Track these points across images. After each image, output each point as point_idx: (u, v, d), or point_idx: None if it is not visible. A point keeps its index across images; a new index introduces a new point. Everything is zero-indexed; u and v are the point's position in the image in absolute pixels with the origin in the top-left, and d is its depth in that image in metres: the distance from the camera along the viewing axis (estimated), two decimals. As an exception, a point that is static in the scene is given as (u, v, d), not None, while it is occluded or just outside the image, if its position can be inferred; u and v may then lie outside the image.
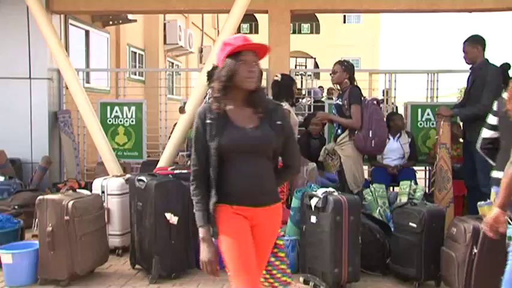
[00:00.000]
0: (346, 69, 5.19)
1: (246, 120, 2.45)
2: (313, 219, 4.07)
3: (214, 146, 2.38)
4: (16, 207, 5.70)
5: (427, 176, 6.76)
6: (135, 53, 12.64)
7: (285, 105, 5.22)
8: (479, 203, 4.14)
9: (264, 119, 2.47)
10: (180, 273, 4.35)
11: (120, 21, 10.65)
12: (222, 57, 2.44)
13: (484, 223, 2.77)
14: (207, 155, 2.42)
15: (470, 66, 5.32)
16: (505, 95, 3.12)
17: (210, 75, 4.95)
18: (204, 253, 2.42)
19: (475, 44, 5.22)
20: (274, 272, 3.48)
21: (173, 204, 4.26)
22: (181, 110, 5.61)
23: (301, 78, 13.44)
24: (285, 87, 5.36)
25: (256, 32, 28.51)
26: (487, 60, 5.22)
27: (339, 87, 5.36)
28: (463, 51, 5.28)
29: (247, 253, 2.41)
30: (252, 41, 2.45)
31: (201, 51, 16.81)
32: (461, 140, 5.90)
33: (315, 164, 5.51)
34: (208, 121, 2.41)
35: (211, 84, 2.51)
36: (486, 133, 3.38)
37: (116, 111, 7.27)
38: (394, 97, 7.37)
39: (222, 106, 2.42)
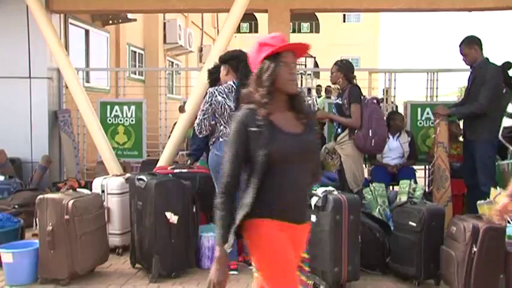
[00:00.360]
0: (340, 68, 5.20)
1: (292, 126, 2.27)
2: (313, 218, 4.07)
3: (264, 154, 2.15)
4: (16, 206, 5.70)
5: (427, 175, 6.77)
6: (135, 52, 12.65)
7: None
8: (479, 202, 4.16)
9: (306, 124, 2.32)
10: (180, 273, 4.36)
11: (120, 21, 10.66)
12: (259, 59, 2.24)
13: (494, 211, 2.75)
14: (242, 165, 2.22)
15: (471, 65, 5.32)
16: None
17: (211, 73, 4.96)
18: (216, 274, 2.19)
19: (471, 45, 5.22)
20: None
21: (173, 203, 4.26)
22: (181, 109, 5.61)
23: (301, 77, 13.46)
24: None
25: (256, 31, 28.52)
26: (487, 59, 5.22)
27: (338, 87, 5.37)
28: (461, 54, 5.27)
29: (295, 278, 2.25)
30: (289, 40, 2.29)
31: (200, 50, 16.82)
32: (461, 138, 5.91)
33: (314, 163, 5.51)
34: (253, 128, 2.19)
35: (251, 89, 2.29)
36: (507, 122, 3.38)
37: (116, 111, 7.27)
38: (394, 96, 7.38)
39: (268, 112, 2.22)
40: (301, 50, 2.30)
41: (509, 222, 3.94)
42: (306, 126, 2.31)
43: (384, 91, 8.13)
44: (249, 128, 2.19)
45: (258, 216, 2.19)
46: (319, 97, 12.69)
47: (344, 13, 28.54)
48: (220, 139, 4.35)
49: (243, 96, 2.36)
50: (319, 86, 14.51)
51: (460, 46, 5.29)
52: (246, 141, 2.20)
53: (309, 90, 11.96)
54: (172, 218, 4.21)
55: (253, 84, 2.27)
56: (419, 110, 6.80)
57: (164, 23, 13.48)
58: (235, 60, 4.44)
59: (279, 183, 2.20)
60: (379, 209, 5.15)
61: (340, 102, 5.23)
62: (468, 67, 5.37)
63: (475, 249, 3.53)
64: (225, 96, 4.33)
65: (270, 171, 2.18)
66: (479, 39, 5.26)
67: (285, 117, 2.28)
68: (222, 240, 2.18)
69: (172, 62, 15.00)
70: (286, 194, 2.21)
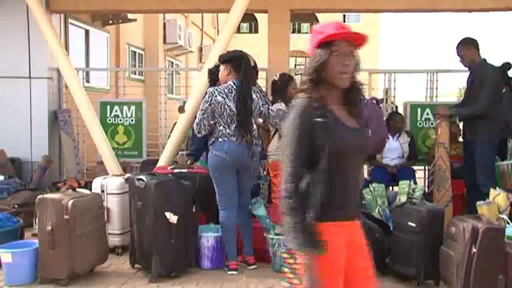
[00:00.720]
0: None
1: (349, 120, 2.12)
2: (313, 218, 4.07)
3: (329, 148, 1.98)
4: (16, 206, 5.70)
5: (427, 176, 6.77)
6: (135, 52, 12.64)
7: (280, 105, 5.23)
8: (478, 202, 4.16)
9: (360, 120, 2.18)
10: (179, 272, 4.35)
11: (120, 21, 10.66)
12: (312, 48, 2.08)
13: None
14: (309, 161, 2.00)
15: (469, 67, 5.32)
16: None
17: (211, 72, 4.97)
18: (316, 284, 1.98)
19: (468, 46, 5.22)
20: None
21: (173, 203, 4.26)
22: (181, 110, 5.60)
23: (301, 77, 13.48)
24: (281, 88, 5.39)
25: (256, 31, 28.52)
26: (484, 60, 5.23)
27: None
28: (458, 55, 5.28)
29: None
30: (348, 28, 2.10)
31: (200, 50, 16.83)
32: (460, 139, 5.91)
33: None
34: (318, 119, 1.99)
35: (304, 79, 2.13)
36: None
37: (116, 111, 7.28)
38: (394, 97, 7.38)
39: (321, 98, 2.05)
40: (359, 40, 2.12)
41: (508, 223, 3.94)
42: (360, 122, 2.17)
43: (384, 91, 8.14)
44: (313, 119, 1.99)
45: (317, 220, 1.99)
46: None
47: (344, 13, 28.53)
48: (220, 139, 4.36)
49: (297, 85, 2.24)
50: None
51: (456, 48, 5.30)
52: (310, 133, 1.99)
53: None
54: (172, 218, 4.21)
55: (303, 74, 2.13)
56: (419, 110, 6.81)
57: (164, 23, 13.48)
58: (236, 60, 4.45)
59: (339, 180, 2.04)
60: (378, 210, 5.14)
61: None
62: (467, 68, 5.38)
63: (474, 249, 3.54)
64: (224, 96, 4.34)
65: (331, 169, 2.00)
66: (476, 41, 5.27)
67: (339, 110, 2.12)
68: (308, 246, 1.95)
69: (172, 62, 15.00)
70: (345, 192, 2.07)
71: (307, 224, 1.96)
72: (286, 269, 2.15)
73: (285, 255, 2.14)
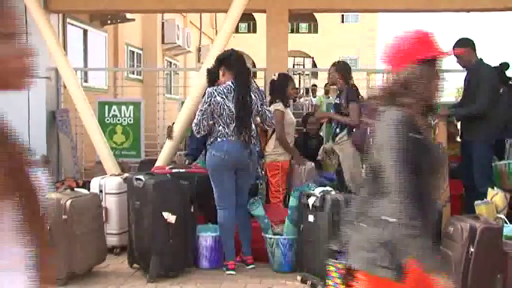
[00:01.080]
0: (337, 69, 5.24)
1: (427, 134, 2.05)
2: (311, 218, 4.08)
3: (426, 165, 1.91)
4: (14, 206, 5.69)
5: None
6: (133, 52, 12.63)
7: (279, 105, 5.23)
8: (476, 202, 4.17)
9: (428, 131, 2.16)
10: (178, 272, 4.36)
11: (118, 20, 10.66)
12: (417, 57, 1.93)
13: None
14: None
15: (466, 67, 5.33)
16: None
17: (210, 72, 4.97)
18: None
19: (464, 46, 5.23)
20: None
21: (171, 203, 4.26)
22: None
23: (299, 77, 13.47)
24: (279, 87, 5.39)
25: (254, 31, 28.50)
26: (481, 60, 5.24)
27: (336, 88, 5.40)
28: (455, 56, 5.28)
29: None
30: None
31: (199, 50, 16.82)
32: (458, 139, 5.92)
33: (313, 164, 5.52)
34: (417, 136, 1.91)
35: (391, 88, 2.00)
36: None
37: (114, 111, 7.26)
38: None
39: (418, 112, 1.97)
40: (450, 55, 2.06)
41: (506, 222, 3.95)
42: (428, 134, 2.15)
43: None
44: (414, 135, 1.91)
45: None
46: (314, 97, 12.70)
47: (342, 13, 28.55)
48: (219, 139, 4.36)
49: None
50: (314, 86, 14.52)
51: (453, 48, 5.30)
52: (412, 148, 1.88)
53: (307, 90, 11.98)
54: (170, 218, 4.21)
55: (400, 84, 1.96)
56: (417, 110, 6.81)
57: (162, 23, 13.46)
58: (226, 60, 4.48)
59: (426, 197, 1.95)
60: (377, 209, 5.15)
61: (339, 102, 5.26)
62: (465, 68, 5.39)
63: (472, 249, 3.54)
64: (224, 96, 4.34)
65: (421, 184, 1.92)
66: (472, 41, 5.28)
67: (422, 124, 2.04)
68: (438, 267, 1.81)
69: (171, 62, 14.99)
70: (428, 209, 1.96)
71: (431, 243, 1.85)
72: (329, 282, 2.09)
73: (331, 268, 2.06)
